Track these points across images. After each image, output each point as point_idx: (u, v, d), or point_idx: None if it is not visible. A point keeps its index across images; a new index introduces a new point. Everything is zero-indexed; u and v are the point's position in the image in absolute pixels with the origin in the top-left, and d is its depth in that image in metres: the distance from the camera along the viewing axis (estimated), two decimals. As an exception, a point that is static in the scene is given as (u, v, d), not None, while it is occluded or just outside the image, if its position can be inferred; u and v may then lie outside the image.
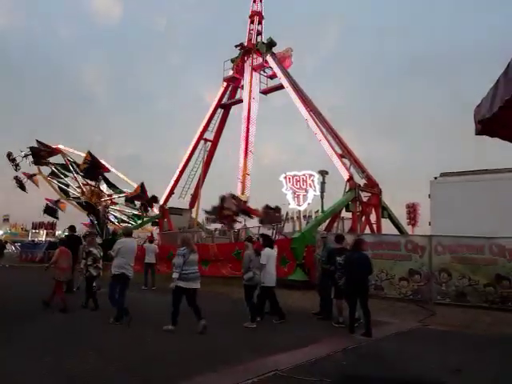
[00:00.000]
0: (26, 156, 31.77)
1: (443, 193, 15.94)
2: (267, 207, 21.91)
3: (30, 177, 32.72)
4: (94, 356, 5.62)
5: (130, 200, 32.43)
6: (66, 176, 34.05)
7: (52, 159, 33.08)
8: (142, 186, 29.97)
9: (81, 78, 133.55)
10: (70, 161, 33.61)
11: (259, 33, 27.25)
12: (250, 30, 27.34)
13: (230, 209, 22.71)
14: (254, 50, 26.37)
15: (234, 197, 23.46)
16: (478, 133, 4.85)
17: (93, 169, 30.29)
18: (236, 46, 27.03)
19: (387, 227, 21.02)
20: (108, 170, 33.02)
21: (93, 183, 33.09)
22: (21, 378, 4.68)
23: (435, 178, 16.73)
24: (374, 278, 12.73)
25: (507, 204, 13.94)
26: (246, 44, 26.95)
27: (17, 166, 32.16)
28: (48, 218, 43.90)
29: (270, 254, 8.72)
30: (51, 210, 35.67)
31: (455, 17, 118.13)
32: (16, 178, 32.52)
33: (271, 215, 21.31)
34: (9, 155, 31.91)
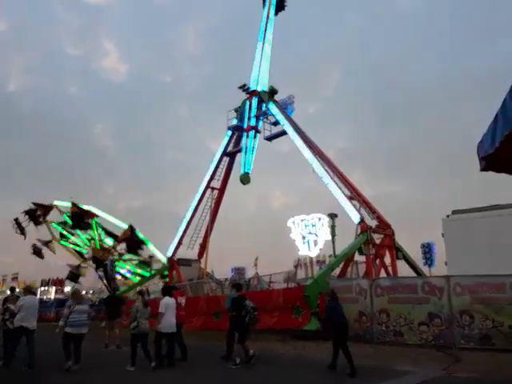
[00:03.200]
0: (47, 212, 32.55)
1: (457, 231, 15.54)
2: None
3: (46, 244, 33.04)
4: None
5: (129, 248, 32.26)
6: (72, 234, 34.25)
7: (55, 218, 33.58)
8: (131, 227, 30.19)
9: (91, 131, 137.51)
10: (101, 226, 33.88)
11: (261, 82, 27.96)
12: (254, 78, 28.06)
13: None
14: (257, 96, 27.00)
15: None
16: (483, 169, 4.73)
17: (80, 218, 30.75)
18: (240, 88, 27.68)
19: (403, 269, 20.45)
20: (95, 216, 33.20)
21: (92, 235, 33.23)
22: None
23: (447, 216, 16.38)
24: (392, 323, 12.21)
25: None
26: (249, 88, 27.59)
27: (23, 231, 32.64)
28: (57, 274, 43.74)
29: (167, 303, 9.73)
30: (73, 275, 35.38)
31: (453, 53, 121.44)
32: (33, 245, 32.95)
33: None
34: (16, 220, 32.52)
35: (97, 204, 32.60)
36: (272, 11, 29.87)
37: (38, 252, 32.85)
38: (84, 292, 40.13)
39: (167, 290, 10.53)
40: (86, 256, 34.00)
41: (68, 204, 32.92)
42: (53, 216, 33.99)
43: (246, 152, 26.08)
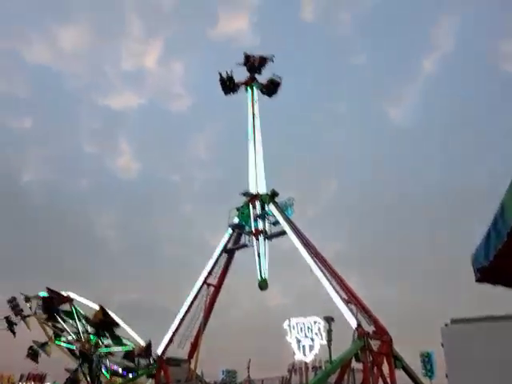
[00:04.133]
0: (27, 299, 31.45)
1: (456, 341, 15.27)
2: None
3: (24, 318, 31.65)
4: None
5: (130, 357, 30.99)
6: (64, 321, 32.94)
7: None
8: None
9: (94, 222, 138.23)
10: (77, 310, 32.89)
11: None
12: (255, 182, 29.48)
13: None
14: (259, 199, 28.19)
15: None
16: (478, 280, 5.09)
17: (104, 324, 30.11)
18: (242, 194, 28.98)
19: (402, 379, 19.60)
20: (118, 325, 32.13)
21: (93, 332, 31.93)
22: None
23: (446, 324, 16.21)
24: None
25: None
26: (251, 192, 28.89)
27: (21, 312, 31.50)
28: (40, 368, 40.81)
29: None
30: (35, 353, 33.14)
31: (447, 167, 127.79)
32: (7, 318, 31.36)
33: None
34: (11, 301, 31.49)
35: (91, 294, 31.90)
36: (256, 108, 32.21)
37: (10, 325, 31.10)
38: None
39: None
40: (64, 340, 32.41)
41: (87, 301, 32.38)
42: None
43: (259, 257, 26.36)
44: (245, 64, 32.03)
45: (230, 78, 32.02)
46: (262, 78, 32.44)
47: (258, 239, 27.12)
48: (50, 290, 30.93)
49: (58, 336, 32.73)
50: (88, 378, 26.64)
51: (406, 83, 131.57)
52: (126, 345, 32.35)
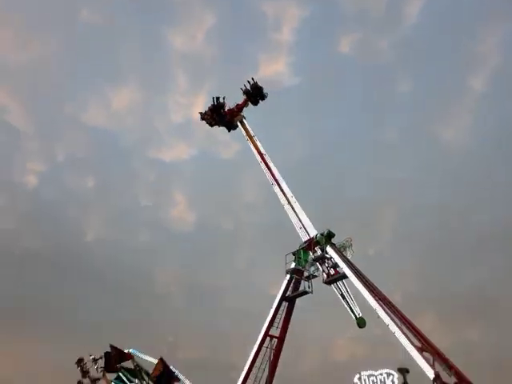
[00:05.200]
0: (94, 360, 31.90)
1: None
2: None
3: (94, 381, 32.03)
4: None
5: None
6: (130, 382, 32.89)
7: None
8: (162, 360, 29.30)
9: (156, 279, 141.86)
10: (139, 367, 32.84)
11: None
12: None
13: None
14: (314, 242, 27.24)
15: None
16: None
17: (164, 378, 29.63)
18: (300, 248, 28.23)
19: None
20: (178, 380, 31.70)
21: None
22: None
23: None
24: None
25: None
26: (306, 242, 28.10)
27: (86, 373, 31.99)
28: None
29: None
30: None
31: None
32: (79, 382, 31.96)
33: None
34: (80, 361, 32.18)
35: (155, 353, 31.64)
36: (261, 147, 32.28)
37: None
38: None
39: None
40: None
41: (148, 357, 32.42)
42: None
43: (344, 298, 26.01)
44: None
45: (221, 106, 33.10)
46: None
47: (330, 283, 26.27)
48: (112, 347, 31.21)
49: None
50: None
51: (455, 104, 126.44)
52: None
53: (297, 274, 27.69)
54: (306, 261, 27.49)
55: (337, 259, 25.31)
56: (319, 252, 26.93)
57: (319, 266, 26.95)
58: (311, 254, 27.37)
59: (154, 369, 30.16)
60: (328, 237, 26.82)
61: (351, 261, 25.18)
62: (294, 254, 28.22)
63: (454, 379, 18.15)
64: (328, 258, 26.47)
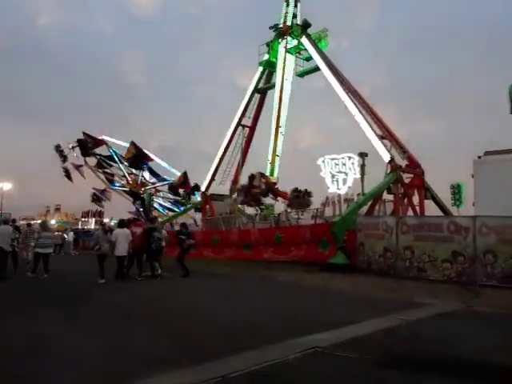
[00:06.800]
0: (73, 148, 33.47)
1: (486, 172, 15.45)
2: (296, 191, 21.69)
3: (77, 167, 34.30)
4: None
5: (173, 189, 33.44)
6: (111, 166, 35.42)
7: (97, 150, 34.56)
8: (184, 174, 31.05)
9: (120, 67, 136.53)
10: (114, 151, 34.85)
11: (295, 15, 26.88)
12: (285, 13, 26.99)
13: (259, 187, 22.94)
14: (289, 32, 26.16)
15: (263, 175, 23.79)
16: (515, 113, 4.78)
17: (137, 159, 31.60)
18: (270, 28, 26.97)
19: (431, 209, 20.63)
20: (151, 160, 34.18)
21: (137, 172, 34.39)
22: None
23: (479, 157, 16.22)
24: (416, 260, 12.72)
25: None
26: (280, 26, 26.76)
27: (65, 158, 33.88)
28: (96, 207, 46.29)
29: (117, 233, 12.57)
30: (98, 198, 37.67)
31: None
32: (64, 167, 34.25)
33: (300, 199, 21.24)
34: (57, 147, 33.67)
35: (127, 140, 33.27)
36: None
37: (67, 174, 34.22)
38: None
39: (120, 224, 13.59)
40: (116, 184, 35.40)
41: (121, 142, 34.11)
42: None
43: None
44: None
45: None
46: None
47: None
48: (85, 134, 32.54)
49: (110, 181, 35.63)
50: (143, 215, 29.78)
51: None
52: (167, 180, 35.11)
53: (269, 66, 27.44)
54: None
55: (310, 51, 24.84)
56: (294, 42, 26.19)
57: (292, 58, 26.59)
58: (285, 44, 26.57)
59: (127, 151, 32.06)
60: (303, 27, 25.70)
61: (325, 53, 24.84)
62: (267, 44, 27.33)
63: (406, 162, 20.70)
64: (302, 50, 25.97)
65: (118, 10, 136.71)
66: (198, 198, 31.69)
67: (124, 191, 35.46)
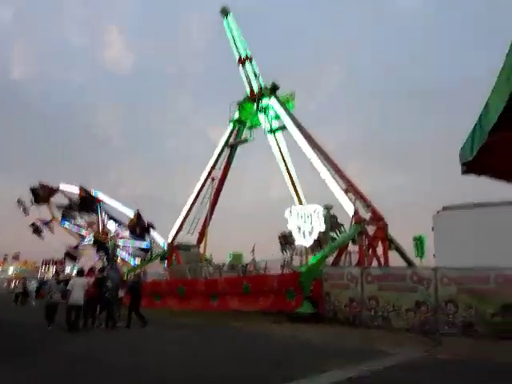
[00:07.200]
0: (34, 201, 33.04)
1: (445, 226, 16.38)
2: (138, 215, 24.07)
3: (46, 223, 33.57)
4: None
5: (133, 233, 32.94)
6: (74, 218, 34.82)
7: (58, 201, 34.13)
8: (138, 214, 31.03)
9: (95, 119, 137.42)
10: (71, 199, 34.29)
11: (256, 75, 28.23)
12: (249, 82, 28.33)
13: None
14: (259, 95, 27.61)
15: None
16: (464, 172, 5.37)
17: (87, 202, 31.39)
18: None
19: (395, 260, 21.24)
20: (101, 201, 33.90)
21: (95, 219, 33.92)
22: None
23: (438, 211, 17.18)
24: (381, 309, 13.03)
25: (508, 235, 14.32)
26: (249, 92, 28.23)
27: (25, 210, 33.21)
28: (57, 255, 44.62)
29: (74, 282, 12.45)
30: (71, 255, 36.31)
31: (454, 54, 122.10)
32: (33, 224, 33.43)
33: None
34: (19, 201, 33.10)
35: (98, 188, 33.19)
36: None
37: (37, 231, 33.33)
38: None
39: (78, 272, 13.70)
40: (86, 238, 34.58)
41: (75, 188, 33.51)
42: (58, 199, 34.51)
43: None
44: None
45: None
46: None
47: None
48: (40, 184, 32.27)
49: (65, 217, 34.66)
50: (105, 261, 29.15)
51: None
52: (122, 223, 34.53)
53: (240, 123, 28.63)
54: (250, 111, 28.15)
55: (279, 111, 26.21)
56: (263, 103, 27.52)
57: (262, 117, 27.85)
58: (255, 104, 27.93)
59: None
60: (272, 89, 27.21)
61: (292, 113, 26.20)
62: (238, 103, 28.65)
63: (369, 214, 21.49)
64: (271, 110, 27.31)
65: (92, 64, 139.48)
66: (153, 236, 31.54)
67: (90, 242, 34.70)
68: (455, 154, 5.35)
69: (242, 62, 28.39)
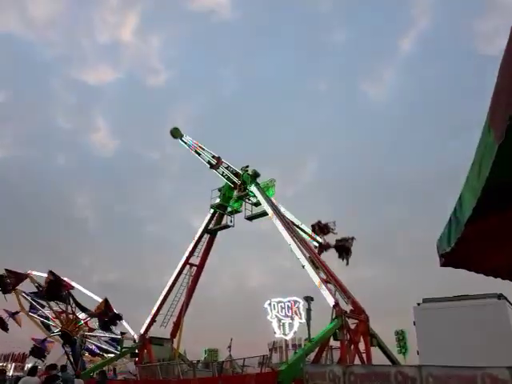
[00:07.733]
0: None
1: (427, 320, 15.91)
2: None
3: (13, 315, 31.56)
4: None
5: (101, 321, 30.84)
6: (43, 306, 32.82)
7: (26, 289, 32.41)
8: (106, 301, 29.33)
9: (72, 202, 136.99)
10: (38, 287, 32.49)
11: (231, 171, 28.83)
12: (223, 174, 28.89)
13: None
14: (239, 183, 28.26)
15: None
16: (442, 265, 5.28)
17: (55, 287, 29.54)
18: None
19: (378, 356, 20.29)
20: (72, 287, 32.11)
21: (64, 308, 31.90)
22: None
23: (418, 304, 16.81)
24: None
25: (492, 330, 13.93)
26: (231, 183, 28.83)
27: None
28: (19, 348, 41.15)
29: (24, 381, 11.39)
30: (39, 350, 33.59)
31: (430, 143, 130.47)
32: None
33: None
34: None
35: (71, 275, 31.82)
36: None
37: (2, 324, 30.96)
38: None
39: (31, 371, 12.63)
40: (54, 330, 32.30)
41: (43, 274, 31.93)
42: (26, 287, 32.77)
43: None
44: None
45: None
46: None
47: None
48: (7, 271, 30.58)
49: (34, 308, 32.57)
50: (70, 358, 26.78)
51: (384, 62, 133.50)
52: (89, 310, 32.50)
53: (220, 209, 28.77)
54: (231, 197, 28.57)
55: (259, 198, 26.59)
56: (244, 190, 28.06)
57: (242, 203, 28.19)
58: (236, 191, 28.45)
59: (44, 282, 30.17)
60: (253, 176, 27.92)
61: (272, 200, 26.63)
62: (219, 190, 29.13)
63: (350, 307, 20.92)
64: (251, 196, 27.75)
65: (76, 150, 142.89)
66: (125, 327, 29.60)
67: (43, 323, 32.38)
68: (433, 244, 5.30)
69: (214, 167, 28.67)
